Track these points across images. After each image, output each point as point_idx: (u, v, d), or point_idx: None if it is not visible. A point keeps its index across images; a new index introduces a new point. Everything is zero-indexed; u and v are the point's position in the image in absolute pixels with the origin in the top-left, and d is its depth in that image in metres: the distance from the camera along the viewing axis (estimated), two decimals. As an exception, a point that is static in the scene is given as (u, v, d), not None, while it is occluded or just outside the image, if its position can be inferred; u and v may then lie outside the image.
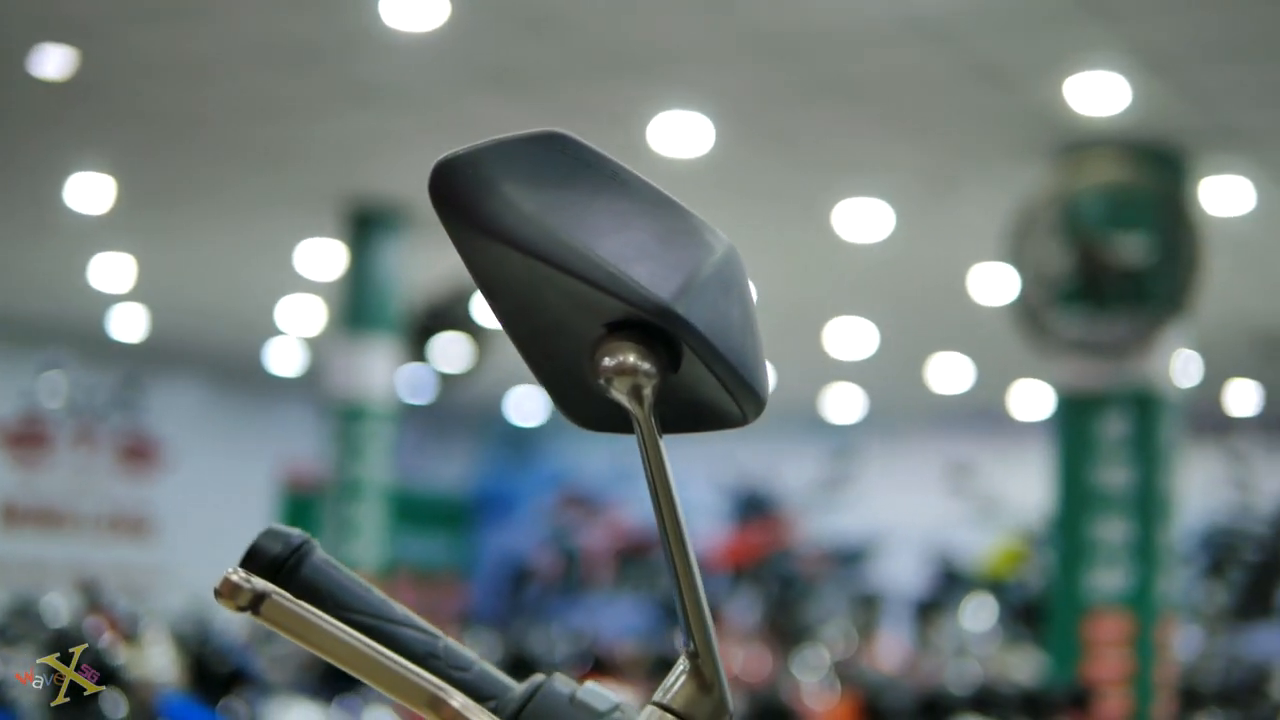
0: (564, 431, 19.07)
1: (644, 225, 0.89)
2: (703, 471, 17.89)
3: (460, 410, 17.92)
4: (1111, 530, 8.06)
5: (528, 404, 18.38)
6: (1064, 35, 7.04)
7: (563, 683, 1.02)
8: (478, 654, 1.07)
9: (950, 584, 16.13)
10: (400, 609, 1.07)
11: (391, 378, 10.63)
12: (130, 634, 6.98)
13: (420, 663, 0.94)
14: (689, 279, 0.87)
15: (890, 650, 14.64)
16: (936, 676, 8.49)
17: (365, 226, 10.28)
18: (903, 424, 16.64)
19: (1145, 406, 8.08)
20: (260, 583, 0.89)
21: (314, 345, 14.79)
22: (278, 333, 14.75)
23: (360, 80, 8.04)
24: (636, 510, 18.75)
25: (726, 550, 17.63)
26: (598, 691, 1.02)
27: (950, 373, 14.54)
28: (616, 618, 17.38)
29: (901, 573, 16.58)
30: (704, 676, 0.92)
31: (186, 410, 17.07)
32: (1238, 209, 8.84)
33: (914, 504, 16.48)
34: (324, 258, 11.28)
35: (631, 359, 0.88)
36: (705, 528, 18.18)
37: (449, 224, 0.90)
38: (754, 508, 17.73)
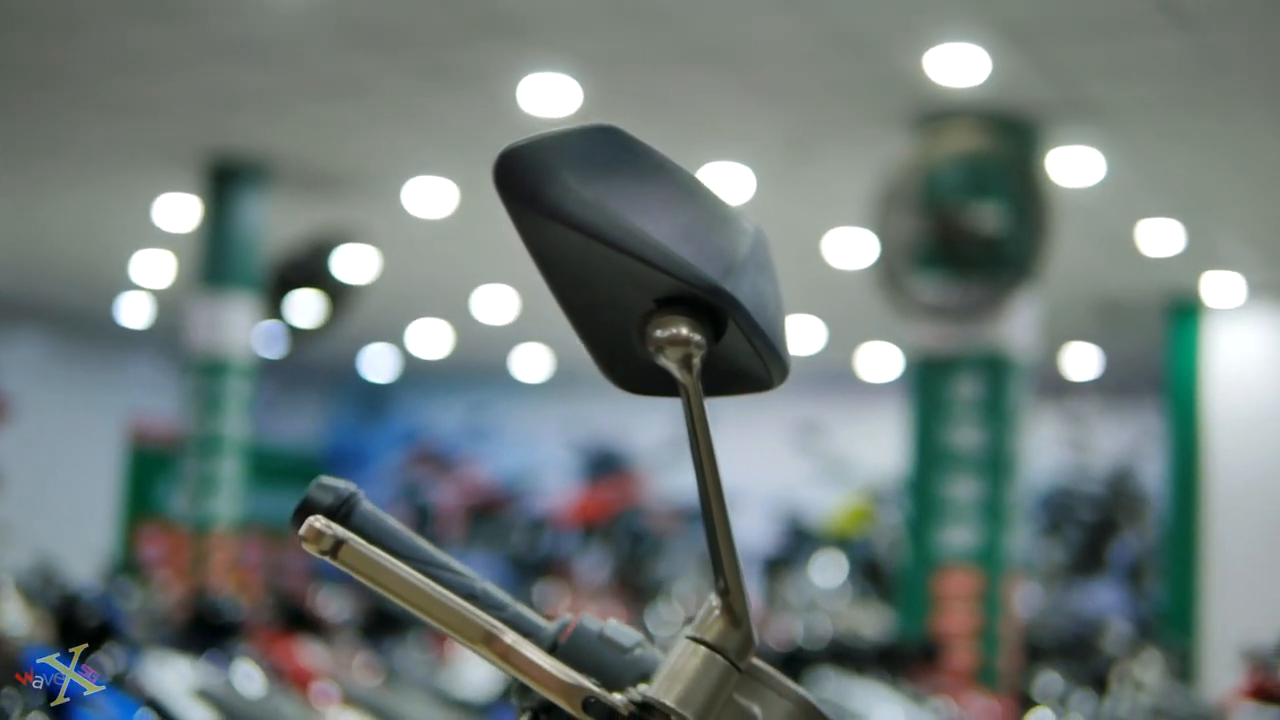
0: (417, 388, 19.06)
1: (689, 210, 0.98)
2: (555, 429, 17.99)
3: (313, 366, 17.82)
4: (962, 489, 8.32)
5: (381, 360, 18.33)
6: (925, 7, 7.22)
7: (590, 620, 1.12)
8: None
9: (798, 541, 16.39)
10: (441, 554, 1.16)
11: (250, 333, 10.58)
12: (-16, 589, 6.91)
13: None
14: (733, 259, 0.97)
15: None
16: (787, 631, 8.67)
17: (226, 181, 10.20)
18: (754, 386, 16.85)
19: (996, 369, 8.34)
20: (340, 529, 0.97)
21: (165, 299, 14.60)
22: (132, 286, 14.54)
23: (226, 34, 7.98)
24: (489, 467, 18.80)
25: (577, 507, 17.74)
26: (622, 629, 1.12)
27: (802, 334, 14.78)
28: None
29: (751, 530, 16.82)
30: (734, 612, 1.02)
31: (32, 363, 16.76)
32: (1088, 180, 9.12)
33: (764, 463, 16.70)
34: (184, 212, 11.17)
35: (684, 331, 0.97)
36: (557, 485, 18.29)
37: (512, 207, 0.98)
38: (605, 465, 17.85)
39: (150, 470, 17.39)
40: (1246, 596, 11.42)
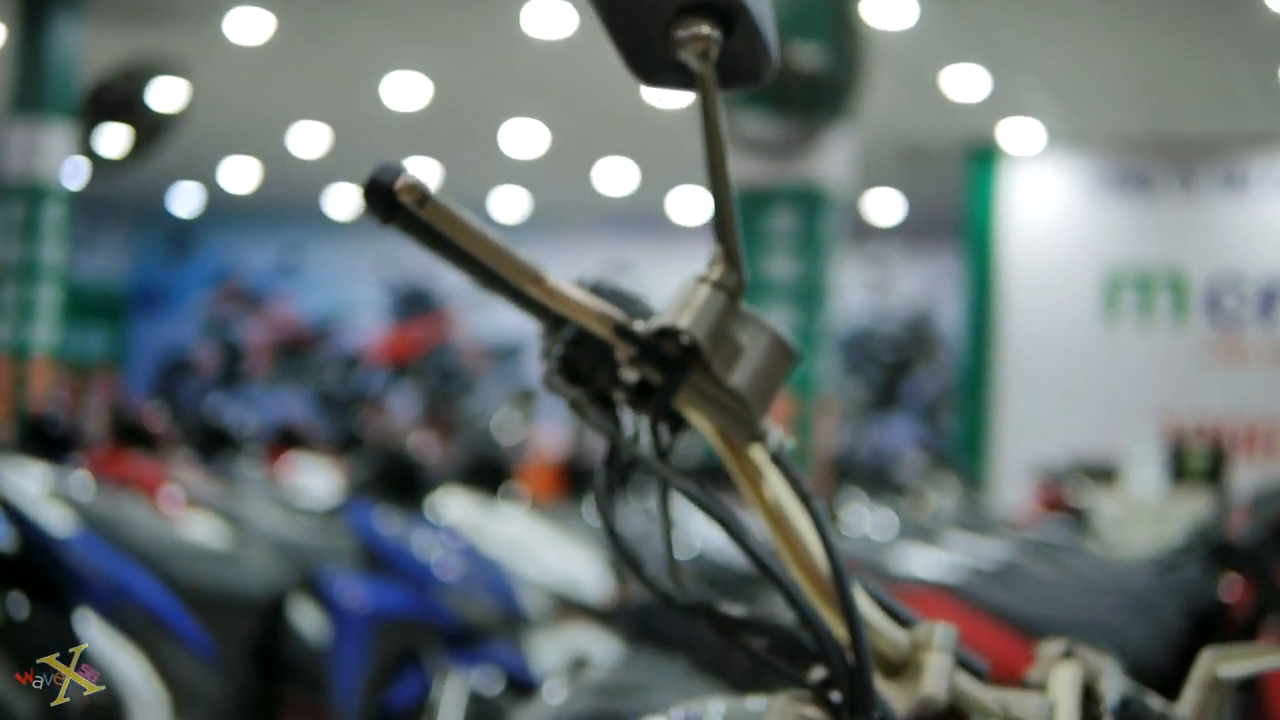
0: (227, 225, 18.88)
1: None
2: (367, 267, 18.04)
3: (119, 201, 17.56)
4: (776, 318, 8.66)
5: (190, 196, 18.12)
6: None
7: (606, 280, 1.35)
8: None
9: (607, 378, 16.75)
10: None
11: (66, 160, 10.46)
12: None
13: None
14: None
15: (550, 440, 15.22)
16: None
17: (41, 5, 10.01)
18: (567, 225, 17.08)
19: (810, 203, 8.68)
20: (428, 186, 1.18)
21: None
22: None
23: None
24: (299, 305, 18.80)
25: (388, 345, 17.89)
26: (628, 289, 1.36)
27: (615, 176, 15.02)
28: (275, 410, 17.49)
29: (560, 368, 17.12)
30: (733, 259, 1.27)
31: None
32: (900, 23, 9.44)
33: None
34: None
35: (705, 29, 1.20)
36: (368, 323, 18.38)
37: None
38: (416, 304, 18.00)
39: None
40: (1035, 427, 12.09)
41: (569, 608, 5.66)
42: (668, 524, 1.34)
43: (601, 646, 5.35)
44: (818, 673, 1.29)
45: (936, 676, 1.33)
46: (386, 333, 18.10)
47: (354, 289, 18.40)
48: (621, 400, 1.29)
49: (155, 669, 5.02)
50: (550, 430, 16.03)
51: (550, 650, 5.24)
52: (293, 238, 18.63)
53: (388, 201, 1.22)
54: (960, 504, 8.62)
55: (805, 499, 1.30)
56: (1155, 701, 1.55)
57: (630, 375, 1.26)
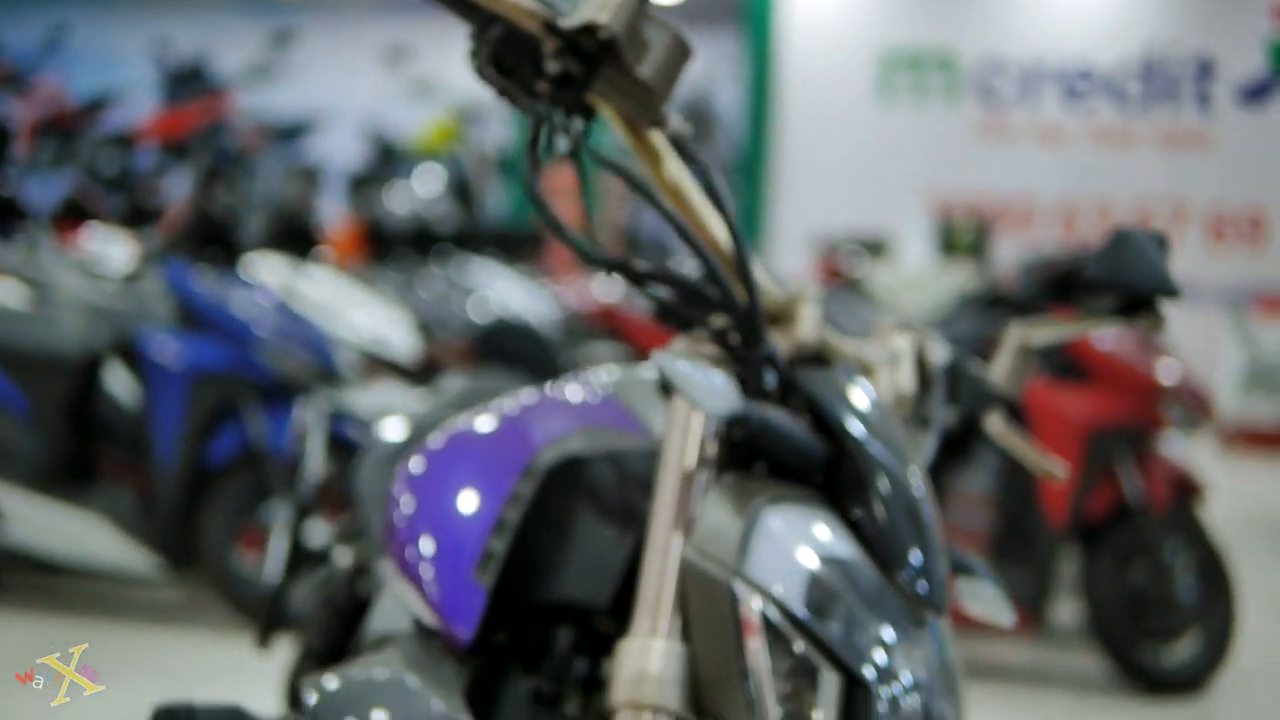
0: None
1: None
2: (138, 46, 17.58)
3: None
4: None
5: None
6: None
7: None
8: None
9: (385, 158, 16.69)
10: None
11: None
12: None
13: None
14: None
15: (331, 215, 15.18)
16: (410, 218, 9.02)
17: None
18: (344, 6, 16.86)
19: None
20: None
21: None
22: None
23: None
24: (67, 84, 18.25)
25: (160, 124, 17.50)
26: None
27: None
28: (41, 190, 17.05)
29: (339, 148, 17.01)
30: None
31: None
32: None
33: (353, 83, 16.86)
34: None
35: None
36: (140, 104, 17.96)
37: None
38: (191, 84, 17.61)
39: None
40: (812, 203, 12.51)
41: (378, 365, 5.85)
42: (589, 193, 1.55)
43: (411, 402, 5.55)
44: (717, 321, 1.53)
45: (810, 325, 1.58)
46: (158, 112, 17.69)
47: (126, 69, 17.91)
48: (544, 91, 1.48)
49: (-30, 428, 5.10)
50: (331, 206, 16.01)
51: (363, 405, 5.43)
52: (60, 15, 18.00)
53: None
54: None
55: (704, 172, 1.52)
56: (974, 365, 1.83)
57: (553, 67, 1.45)
